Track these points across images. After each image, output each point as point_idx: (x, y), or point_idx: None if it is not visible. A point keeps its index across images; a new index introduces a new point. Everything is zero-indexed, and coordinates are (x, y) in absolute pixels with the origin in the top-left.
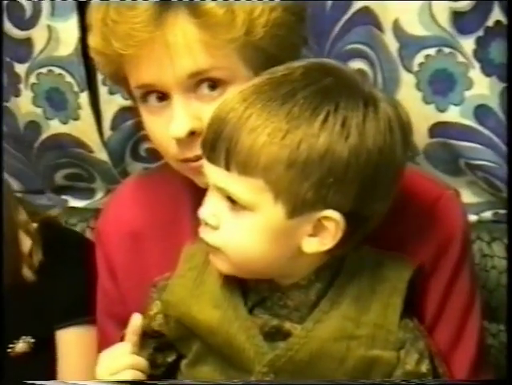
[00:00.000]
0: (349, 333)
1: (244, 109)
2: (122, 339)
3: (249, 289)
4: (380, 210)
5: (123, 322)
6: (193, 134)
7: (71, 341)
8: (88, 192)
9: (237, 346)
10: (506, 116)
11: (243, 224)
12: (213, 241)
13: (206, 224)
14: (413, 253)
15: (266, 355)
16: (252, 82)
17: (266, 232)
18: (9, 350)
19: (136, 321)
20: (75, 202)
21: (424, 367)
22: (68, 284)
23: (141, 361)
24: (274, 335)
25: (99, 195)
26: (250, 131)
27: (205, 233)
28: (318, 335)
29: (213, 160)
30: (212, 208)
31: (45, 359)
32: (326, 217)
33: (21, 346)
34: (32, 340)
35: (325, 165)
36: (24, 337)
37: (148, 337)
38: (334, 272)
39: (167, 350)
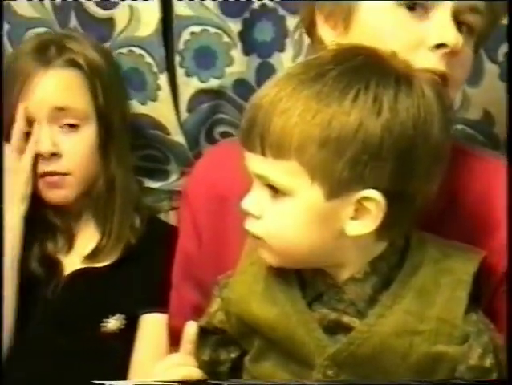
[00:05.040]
0: (412, 328)
1: (276, 93)
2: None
3: (306, 285)
4: (425, 190)
5: (201, 285)
6: None
7: (152, 326)
8: (163, 174)
9: (297, 341)
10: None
11: (284, 211)
12: (256, 230)
13: (249, 214)
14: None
15: (326, 348)
16: (286, 68)
17: (306, 216)
18: (102, 326)
19: (191, 329)
20: (149, 183)
21: (488, 362)
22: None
23: (195, 371)
24: (334, 329)
25: (173, 177)
26: (281, 113)
27: (249, 224)
28: (380, 330)
29: (249, 147)
30: (254, 198)
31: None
32: (366, 198)
33: (113, 323)
34: (124, 318)
35: (358, 142)
36: (118, 315)
37: (209, 334)
38: (392, 264)
39: (230, 346)
